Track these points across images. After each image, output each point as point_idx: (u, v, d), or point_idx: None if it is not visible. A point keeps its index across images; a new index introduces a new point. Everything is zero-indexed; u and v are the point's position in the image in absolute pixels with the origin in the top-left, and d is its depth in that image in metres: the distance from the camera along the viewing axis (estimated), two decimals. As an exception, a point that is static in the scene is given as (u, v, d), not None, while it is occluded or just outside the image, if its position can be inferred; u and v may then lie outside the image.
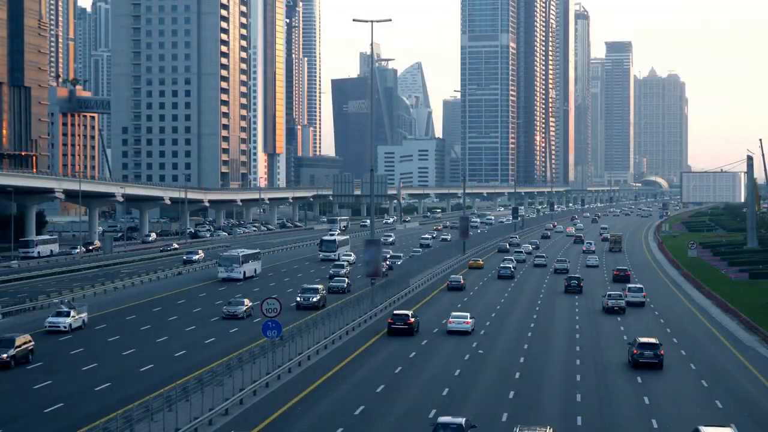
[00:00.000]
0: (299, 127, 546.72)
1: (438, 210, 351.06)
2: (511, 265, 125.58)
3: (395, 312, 77.87)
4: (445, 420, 43.42)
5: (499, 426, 47.41)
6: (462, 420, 43.15)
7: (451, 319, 77.41)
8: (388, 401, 53.05)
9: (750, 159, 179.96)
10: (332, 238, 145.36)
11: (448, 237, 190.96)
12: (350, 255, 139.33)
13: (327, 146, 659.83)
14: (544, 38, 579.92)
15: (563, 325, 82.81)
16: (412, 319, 76.05)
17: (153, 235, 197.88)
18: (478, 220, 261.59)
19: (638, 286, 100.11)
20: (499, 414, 49.80)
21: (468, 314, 78.33)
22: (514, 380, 58.74)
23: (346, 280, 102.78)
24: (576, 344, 72.64)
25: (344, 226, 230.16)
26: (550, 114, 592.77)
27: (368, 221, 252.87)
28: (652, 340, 64.49)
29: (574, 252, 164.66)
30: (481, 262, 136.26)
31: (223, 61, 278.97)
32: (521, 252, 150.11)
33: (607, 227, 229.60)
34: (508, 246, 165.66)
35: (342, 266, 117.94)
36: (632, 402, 54.34)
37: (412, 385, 57.03)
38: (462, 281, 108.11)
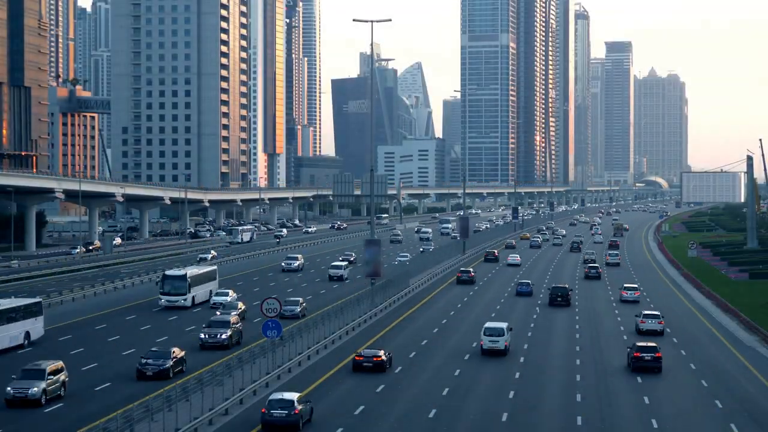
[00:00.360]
0: (299, 127, 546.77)
1: (384, 216, 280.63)
2: (539, 239, 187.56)
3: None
4: (524, 281, 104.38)
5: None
6: (529, 281, 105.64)
7: (509, 257, 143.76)
8: (388, 401, 53.06)
9: (750, 159, 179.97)
10: (180, 273, 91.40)
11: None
12: (226, 295, 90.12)
13: (327, 146, 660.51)
14: (544, 38, 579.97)
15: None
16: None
17: (118, 240, 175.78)
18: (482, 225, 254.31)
19: (616, 252, 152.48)
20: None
21: (518, 255, 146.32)
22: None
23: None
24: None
25: (248, 239, 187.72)
26: (550, 114, 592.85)
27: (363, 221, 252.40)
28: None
29: (589, 233, 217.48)
30: (528, 235, 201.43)
31: (223, 61, 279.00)
32: (546, 233, 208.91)
33: (617, 219, 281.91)
34: (544, 228, 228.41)
35: (40, 374, 51.75)
36: (632, 402, 54.37)
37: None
38: (514, 243, 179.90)
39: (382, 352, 60.90)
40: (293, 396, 47.34)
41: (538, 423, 49.12)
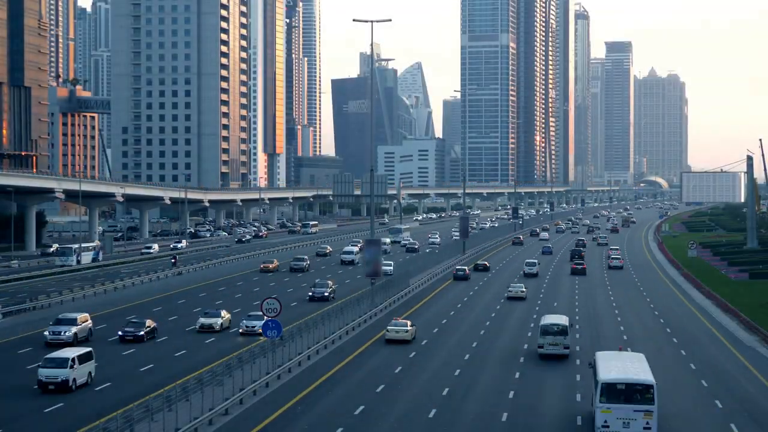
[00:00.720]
0: (299, 127, 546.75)
1: (312, 223, 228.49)
2: (563, 227, 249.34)
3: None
4: (547, 245, 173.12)
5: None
6: (550, 245, 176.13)
7: (541, 234, 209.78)
8: (388, 401, 53.06)
9: (750, 159, 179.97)
10: None
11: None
12: None
13: (327, 146, 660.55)
14: (544, 38, 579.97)
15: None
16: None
17: (54, 246, 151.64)
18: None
19: (605, 235, 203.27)
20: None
21: (547, 233, 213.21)
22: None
23: None
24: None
25: (91, 260, 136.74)
26: (550, 114, 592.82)
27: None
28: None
29: (606, 223, 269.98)
30: (560, 222, 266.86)
31: (223, 61, 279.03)
32: (570, 222, 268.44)
33: (631, 213, 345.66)
34: (574, 219, 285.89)
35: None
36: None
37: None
38: (547, 227, 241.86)
39: (486, 261, 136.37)
40: (466, 267, 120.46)
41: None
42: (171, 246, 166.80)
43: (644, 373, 43.71)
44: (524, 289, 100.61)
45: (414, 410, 51.09)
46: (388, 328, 71.55)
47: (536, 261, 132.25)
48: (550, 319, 68.22)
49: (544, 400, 54.28)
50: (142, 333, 71.83)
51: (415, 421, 49.02)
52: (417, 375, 60.18)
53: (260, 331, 68.47)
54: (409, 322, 72.93)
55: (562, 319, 67.95)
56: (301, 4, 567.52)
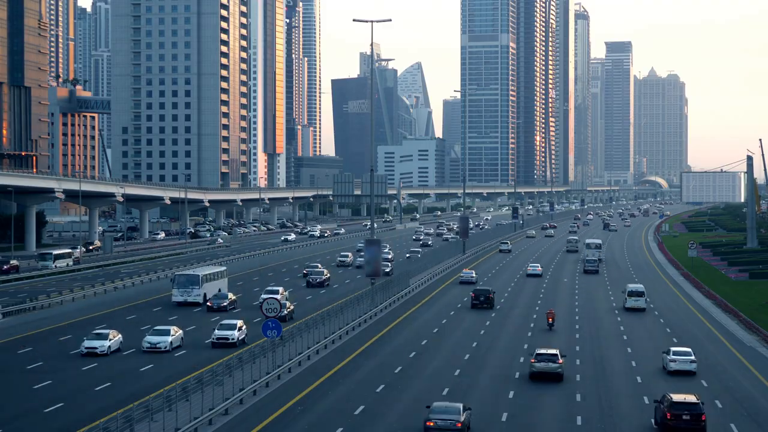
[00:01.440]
0: (299, 127, 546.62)
1: (57, 252, 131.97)
2: (595, 217, 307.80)
3: None
4: (589, 218, 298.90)
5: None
6: (589, 219, 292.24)
7: (586, 218, 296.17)
8: (388, 401, 53.06)
9: (750, 159, 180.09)
10: None
11: None
12: None
13: (327, 146, 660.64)
14: (544, 38, 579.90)
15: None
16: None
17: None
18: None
19: (617, 223, 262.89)
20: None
21: (592, 215, 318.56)
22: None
23: None
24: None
25: None
26: (550, 114, 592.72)
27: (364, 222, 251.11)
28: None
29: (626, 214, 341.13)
30: (602, 212, 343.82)
31: (223, 61, 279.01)
32: (600, 214, 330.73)
33: (661, 207, 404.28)
34: (616, 210, 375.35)
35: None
36: (632, 402, 54.38)
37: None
38: (592, 213, 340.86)
39: (555, 223, 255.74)
40: (547, 223, 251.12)
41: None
42: None
43: (599, 240, 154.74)
44: (552, 233, 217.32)
45: (414, 410, 51.08)
46: None
47: (576, 226, 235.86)
48: (590, 239, 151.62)
49: (543, 410, 54.37)
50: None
51: (416, 421, 49.02)
52: (417, 375, 60.17)
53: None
54: None
55: (598, 240, 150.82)
56: (301, 4, 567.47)
